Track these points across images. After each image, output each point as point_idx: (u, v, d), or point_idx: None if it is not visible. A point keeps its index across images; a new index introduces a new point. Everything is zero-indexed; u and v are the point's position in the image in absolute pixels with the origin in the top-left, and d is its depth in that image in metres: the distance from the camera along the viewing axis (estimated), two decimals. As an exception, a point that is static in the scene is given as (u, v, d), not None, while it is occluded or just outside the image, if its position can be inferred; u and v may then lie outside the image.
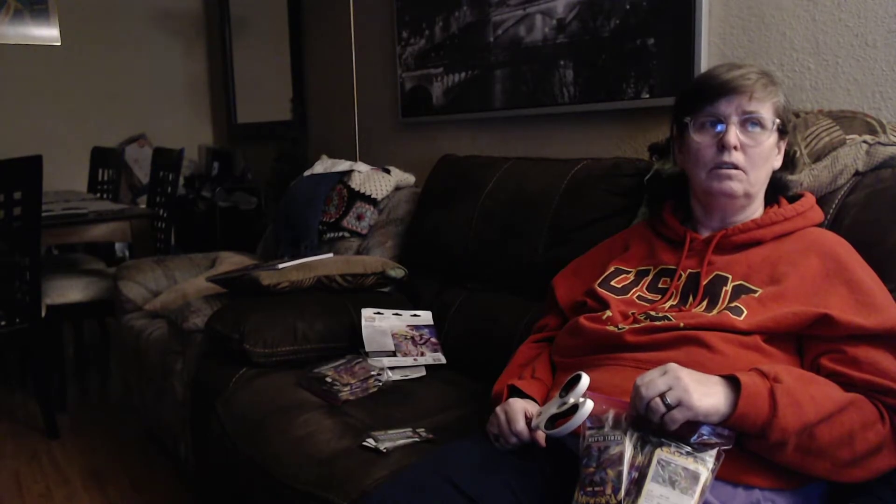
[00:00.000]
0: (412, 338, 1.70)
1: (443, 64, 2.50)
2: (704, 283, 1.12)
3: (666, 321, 1.08)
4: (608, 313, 1.15)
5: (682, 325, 1.06)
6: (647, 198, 1.53)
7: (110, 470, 2.28)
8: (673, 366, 0.91)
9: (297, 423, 1.39)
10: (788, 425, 0.88)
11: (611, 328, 1.11)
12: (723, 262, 1.13)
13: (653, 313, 1.11)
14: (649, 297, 1.16)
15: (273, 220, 2.76)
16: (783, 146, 1.17)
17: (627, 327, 1.10)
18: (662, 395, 0.87)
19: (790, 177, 1.21)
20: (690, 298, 1.12)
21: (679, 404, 0.87)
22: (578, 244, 1.54)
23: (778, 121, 1.12)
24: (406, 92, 2.72)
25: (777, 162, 1.17)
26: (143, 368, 2.25)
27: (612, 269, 1.25)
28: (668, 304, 1.13)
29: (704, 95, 1.13)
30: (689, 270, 1.15)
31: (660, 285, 1.18)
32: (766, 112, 1.11)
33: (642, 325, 1.09)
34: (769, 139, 1.12)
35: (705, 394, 0.88)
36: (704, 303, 1.10)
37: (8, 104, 4.07)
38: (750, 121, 1.11)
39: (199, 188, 4.22)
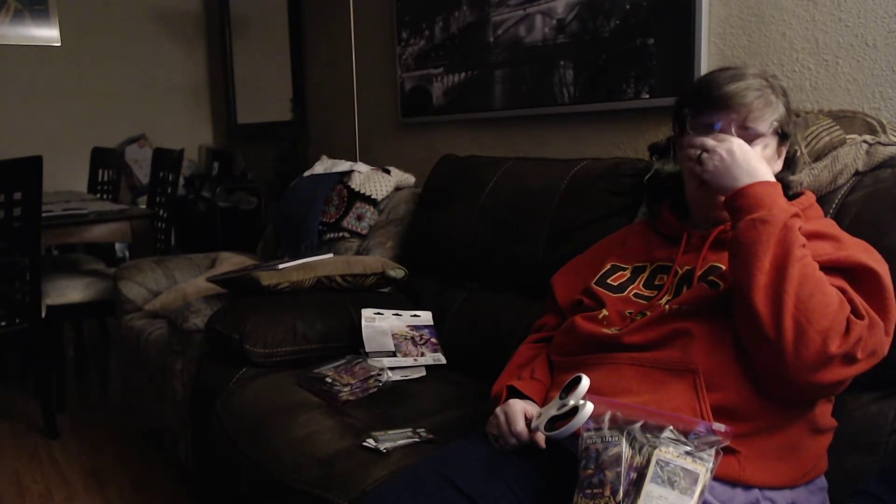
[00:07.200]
0: (412, 338, 1.70)
1: (443, 64, 2.50)
2: (698, 276, 1.12)
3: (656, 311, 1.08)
4: (604, 312, 1.15)
5: (667, 308, 1.06)
6: (647, 197, 1.53)
7: (110, 470, 2.28)
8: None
9: (297, 423, 1.39)
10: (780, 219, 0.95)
11: (606, 331, 1.11)
12: (718, 259, 1.13)
13: (648, 313, 1.11)
14: (646, 294, 1.16)
15: (273, 221, 2.76)
16: (783, 151, 1.17)
17: (624, 330, 1.10)
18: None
19: (791, 177, 1.21)
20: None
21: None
22: (579, 244, 1.53)
23: (776, 124, 1.12)
24: (406, 92, 2.72)
25: (777, 166, 1.16)
26: (143, 368, 2.25)
27: (608, 266, 1.25)
28: (663, 300, 1.13)
29: (703, 105, 1.13)
30: (686, 267, 1.14)
31: (656, 282, 1.17)
32: (764, 127, 1.10)
33: (636, 324, 1.09)
34: (767, 148, 1.12)
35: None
36: None
37: (8, 104, 4.07)
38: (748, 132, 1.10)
39: (199, 188, 4.22)
